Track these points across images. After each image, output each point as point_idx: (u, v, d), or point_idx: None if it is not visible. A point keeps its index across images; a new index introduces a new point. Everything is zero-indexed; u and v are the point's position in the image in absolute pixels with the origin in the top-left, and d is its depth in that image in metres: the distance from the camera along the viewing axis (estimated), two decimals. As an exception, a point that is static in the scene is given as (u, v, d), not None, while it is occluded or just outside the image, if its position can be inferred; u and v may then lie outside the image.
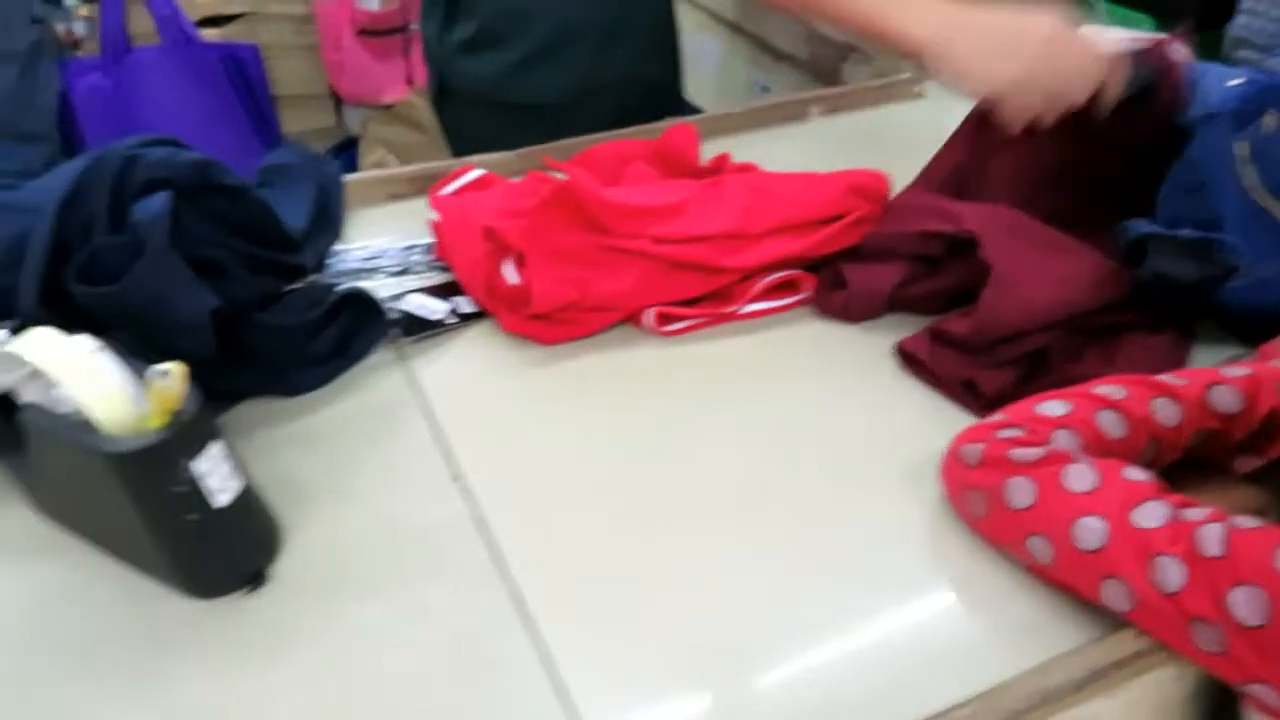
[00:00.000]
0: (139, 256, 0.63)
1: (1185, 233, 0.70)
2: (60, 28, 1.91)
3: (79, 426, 0.55)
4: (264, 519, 0.62)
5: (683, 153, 0.91)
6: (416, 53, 2.20)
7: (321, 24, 2.09)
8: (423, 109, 2.21)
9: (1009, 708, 0.52)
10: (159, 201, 0.63)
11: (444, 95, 1.20)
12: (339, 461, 0.69)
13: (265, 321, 0.72)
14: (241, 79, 2.08)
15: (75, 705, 0.55)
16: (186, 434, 0.55)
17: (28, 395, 0.59)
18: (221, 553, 0.59)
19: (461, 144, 1.22)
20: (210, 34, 2.06)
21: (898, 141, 1.11)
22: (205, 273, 0.68)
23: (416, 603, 0.59)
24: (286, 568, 0.62)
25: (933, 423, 0.69)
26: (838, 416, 0.72)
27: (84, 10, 1.93)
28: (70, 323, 0.63)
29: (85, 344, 0.57)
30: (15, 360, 0.57)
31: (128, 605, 0.60)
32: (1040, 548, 0.56)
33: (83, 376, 0.55)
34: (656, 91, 1.19)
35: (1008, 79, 0.77)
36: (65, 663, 0.57)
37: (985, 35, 0.78)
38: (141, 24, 1.98)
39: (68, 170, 0.67)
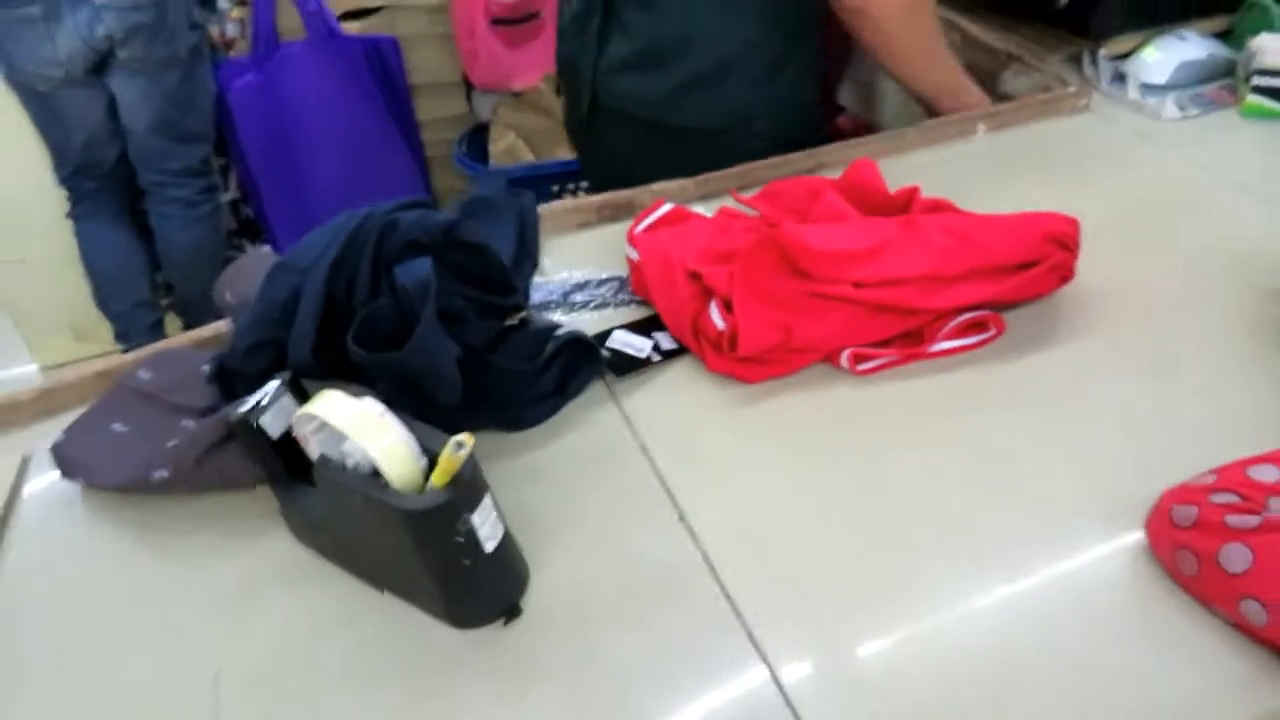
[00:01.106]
0: (404, 318, 0.69)
1: None
2: (215, 30, 2.01)
3: (370, 481, 0.62)
4: (518, 557, 0.69)
5: (870, 185, 0.94)
6: (547, 40, 2.24)
7: (457, 13, 2.15)
8: (550, 96, 2.26)
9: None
10: (422, 268, 0.70)
11: (595, 111, 1.22)
12: (569, 496, 0.75)
13: (497, 364, 0.78)
14: (383, 69, 2.16)
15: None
16: (468, 491, 0.62)
17: (314, 445, 0.66)
18: (486, 590, 0.66)
19: (610, 165, 1.25)
20: (351, 27, 2.13)
21: (1064, 156, 1.12)
22: (447, 322, 0.75)
23: (658, 637, 0.65)
24: (536, 600, 0.68)
25: (1129, 470, 0.72)
26: (1034, 453, 0.76)
27: (236, 13, 2.02)
28: (333, 373, 0.71)
29: (373, 406, 0.64)
30: (311, 419, 0.64)
31: (399, 633, 0.67)
32: (1254, 610, 0.59)
33: (374, 436, 0.62)
34: (810, 114, 1.21)
35: None
36: (350, 684, 0.64)
37: None
38: (289, 21, 2.07)
39: (331, 231, 0.74)
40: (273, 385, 0.68)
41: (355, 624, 0.68)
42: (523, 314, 0.86)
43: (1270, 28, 1.21)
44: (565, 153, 2.24)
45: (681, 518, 0.73)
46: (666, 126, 1.17)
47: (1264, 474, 0.64)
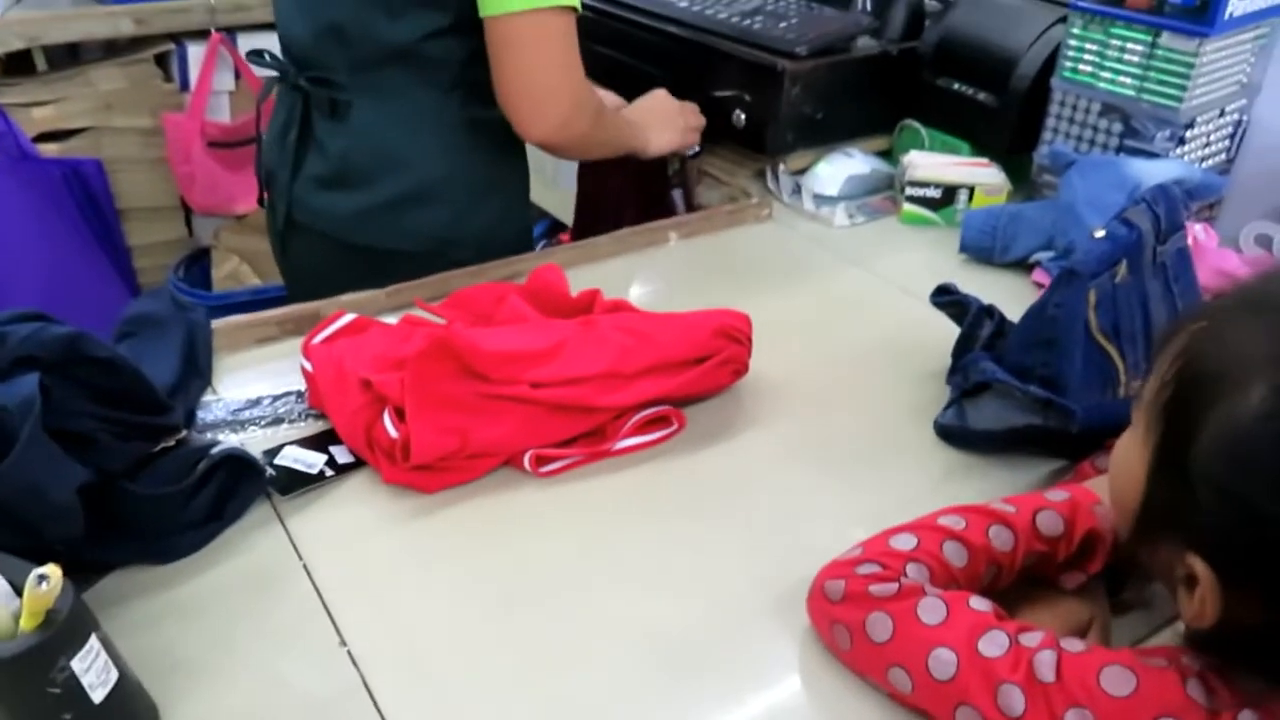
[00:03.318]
0: (5, 442, 0.61)
1: (1034, 390, 0.78)
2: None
3: (-58, 632, 0.53)
4: (140, 705, 0.61)
5: (553, 289, 0.95)
6: (271, 163, 2.18)
7: (170, 137, 2.06)
8: (279, 218, 2.19)
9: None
10: (26, 386, 0.62)
11: (290, 225, 1.19)
12: (220, 631, 0.68)
13: (136, 491, 0.71)
14: (85, 194, 2.02)
15: None
16: (63, 632, 0.54)
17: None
18: (98, 748, 0.58)
19: (305, 281, 1.20)
20: (50, 149, 1.99)
21: (748, 261, 1.19)
22: (73, 445, 0.67)
23: (308, 780, 0.59)
24: (170, 753, 0.61)
25: (797, 552, 0.74)
26: (712, 550, 0.76)
27: (-93, 128, 1.84)
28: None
29: (-51, 544, 0.55)
30: None
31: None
32: (901, 679, 0.61)
33: (-53, 579, 0.54)
34: (520, 239, 1.21)
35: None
36: None
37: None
38: (-26, 140, 1.90)
39: (-77, 350, 0.65)
40: None
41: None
42: (180, 435, 0.80)
43: (920, 146, 1.36)
44: (294, 276, 2.16)
45: (343, 644, 0.67)
46: (358, 245, 1.14)
47: (903, 542, 0.67)
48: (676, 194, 1.38)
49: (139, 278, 2.19)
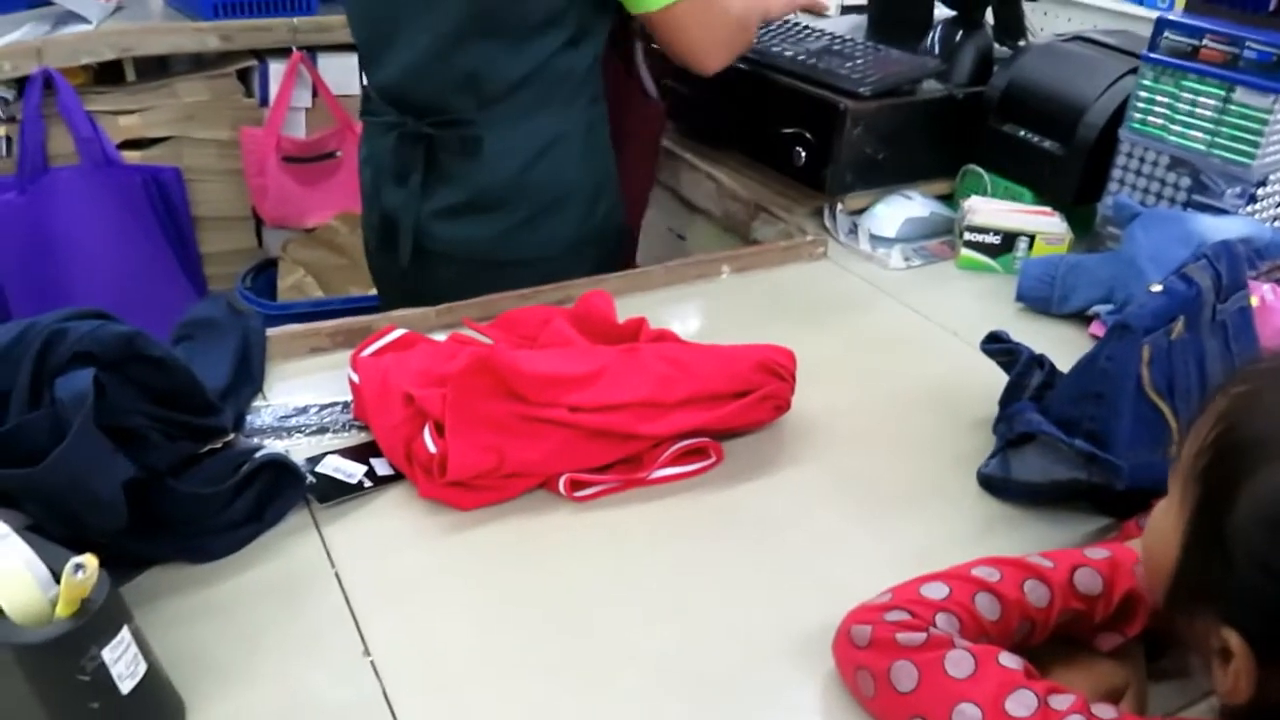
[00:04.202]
0: (59, 434, 0.63)
1: (1079, 444, 0.77)
2: (-24, 145, 1.90)
3: (-17, 613, 0.55)
4: (170, 700, 0.62)
5: (599, 314, 0.96)
6: (344, 178, 2.24)
7: (246, 149, 2.12)
8: (345, 233, 2.24)
9: None
10: (81, 380, 0.64)
11: (420, 256, 1.21)
12: (250, 633, 0.69)
13: (179, 489, 0.73)
14: (163, 200, 2.09)
15: None
16: (96, 621, 0.55)
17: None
18: (122, 739, 0.59)
19: (437, 299, 1.23)
20: (133, 156, 2.07)
21: (799, 298, 1.19)
22: (124, 441, 0.69)
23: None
24: (189, 750, 0.61)
25: (828, 593, 0.73)
26: (742, 586, 0.76)
27: (1, 129, 1.92)
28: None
29: (-4, 528, 0.57)
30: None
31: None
32: (924, 729, 0.60)
33: (-9, 561, 0.56)
34: (625, 239, 1.27)
35: None
36: None
37: None
38: (63, 144, 1.98)
39: (-10, 340, 0.68)
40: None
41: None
42: (228, 438, 0.81)
43: (982, 192, 1.34)
44: (357, 289, 2.21)
45: (367, 654, 0.68)
46: (500, 261, 1.18)
47: (934, 591, 0.65)
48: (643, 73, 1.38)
49: (209, 284, 2.25)
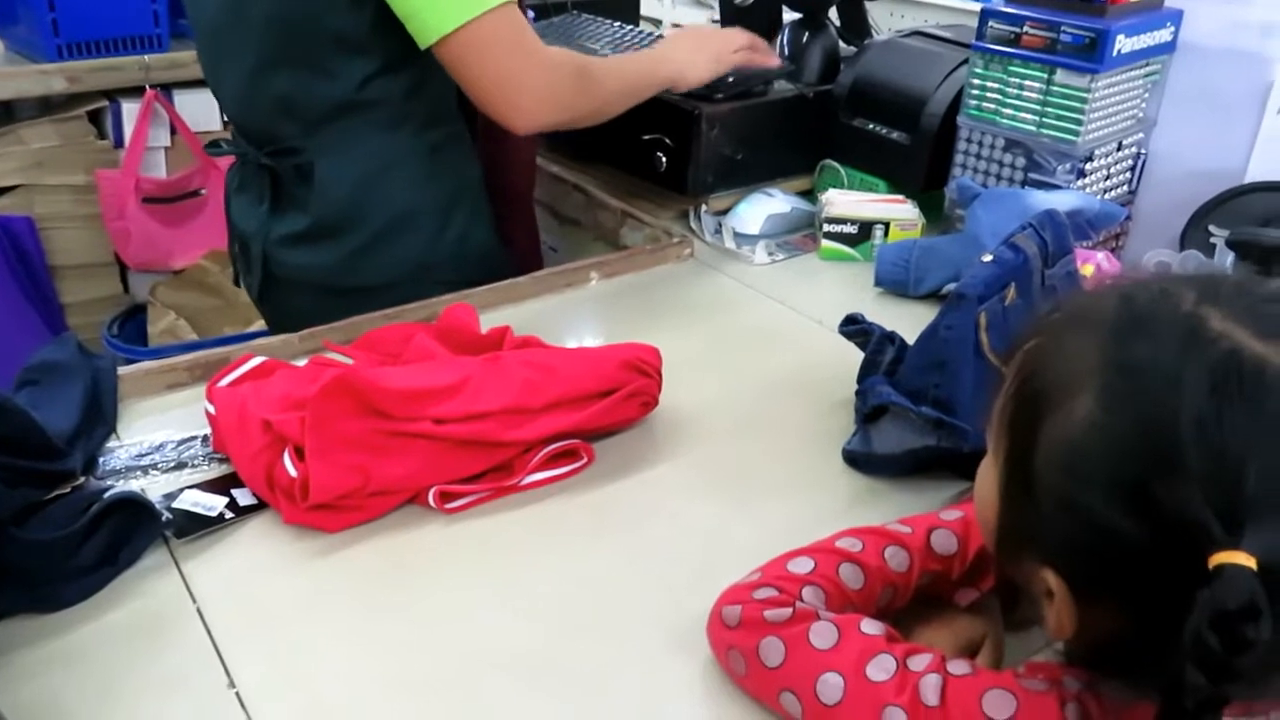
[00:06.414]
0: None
1: (926, 410, 0.80)
2: None
3: None
4: (18, 756, 0.59)
5: (463, 327, 0.95)
6: (209, 216, 2.17)
7: (103, 193, 2.05)
8: (216, 272, 2.17)
9: None
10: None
11: (270, 283, 1.21)
12: (106, 680, 0.66)
13: (23, 537, 0.70)
14: (15, 251, 2.00)
15: None
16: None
17: None
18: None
19: (293, 327, 1.21)
20: (-22, 207, 1.97)
21: (668, 299, 1.20)
22: (-45, 492, 0.66)
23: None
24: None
25: (704, 582, 0.74)
26: (619, 582, 0.76)
27: None
28: None
29: None
30: None
31: None
32: (791, 703, 0.61)
33: None
34: (490, 257, 1.24)
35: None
36: None
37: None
38: (-99, 198, 1.88)
39: None
40: None
41: None
42: (77, 482, 0.78)
43: (839, 185, 1.38)
44: (233, 329, 2.15)
45: (231, 685, 0.66)
46: (345, 288, 1.16)
47: (800, 566, 0.67)
48: None
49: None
